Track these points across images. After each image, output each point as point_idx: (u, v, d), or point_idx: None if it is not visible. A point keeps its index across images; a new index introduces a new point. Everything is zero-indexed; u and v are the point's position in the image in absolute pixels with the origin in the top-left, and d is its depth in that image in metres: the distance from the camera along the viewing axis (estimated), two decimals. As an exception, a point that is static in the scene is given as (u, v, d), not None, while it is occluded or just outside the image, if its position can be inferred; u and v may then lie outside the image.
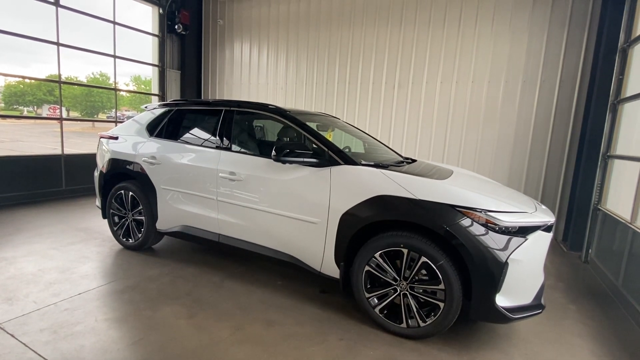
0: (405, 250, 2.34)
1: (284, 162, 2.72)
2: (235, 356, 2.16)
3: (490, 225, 2.19)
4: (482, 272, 2.15)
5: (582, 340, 2.59)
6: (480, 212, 2.21)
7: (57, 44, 5.73)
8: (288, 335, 2.42)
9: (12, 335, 2.24)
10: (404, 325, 2.42)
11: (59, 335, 2.27)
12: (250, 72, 7.58)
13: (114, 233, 3.88)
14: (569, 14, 4.98)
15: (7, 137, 17.59)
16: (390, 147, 4.36)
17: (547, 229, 2.39)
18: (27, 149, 14.30)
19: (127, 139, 3.80)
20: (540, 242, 2.34)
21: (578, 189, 4.66)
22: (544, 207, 2.71)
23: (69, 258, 3.51)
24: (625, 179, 3.74)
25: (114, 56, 6.67)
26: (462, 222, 2.19)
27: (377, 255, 2.44)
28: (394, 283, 2.43)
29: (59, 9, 5.70)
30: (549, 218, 2.45)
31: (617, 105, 4.00)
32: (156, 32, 7.43)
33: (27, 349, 2.12)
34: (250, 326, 2.49)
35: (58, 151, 6.05)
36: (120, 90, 7.05)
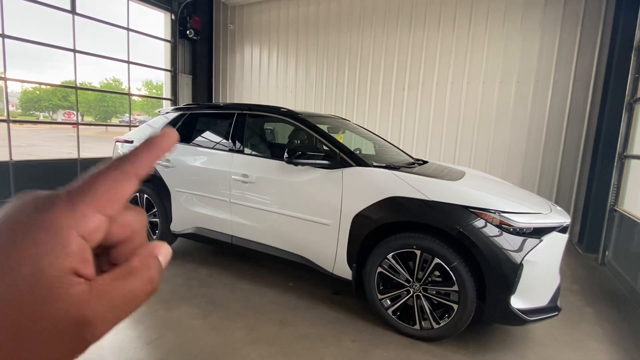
0: (418, 252, 2.34)
1: (296, 164, 2.74)
2: (250, 356, 2.19)
3: (504, 227, 2.17)
4: (496, 273, 2.14)
5: (599, 343, 2.54)
6: (494, 213, 2.20)
7: (74, 50, 5.88)
8: (301, 336, 2.43)
9: (34, 334, 2.30)
10: (417, 327, 2.41)
11: (79, 334, 2.33)
12: (260, 76, 7.66)
13: (129, 235, 3.95)
14: (582, 12, 4.91)
15: (24, 142, 18.06)
16: (401, 148, 4.35)
17: (563, 230, 2.36)
18: (43, 153, 14.67)
19: (142, 142, 3.87)
20: (556, 243, 2.31)
21: (594, 190, 4.57)
22: (559, 208, 2.68)
23: (86, 259, 3.59)
24: (642, 179, 3.66)
25: (128, 62, 6.82)
26: (475, 223, 2.18)
27: (389, 256, 2.45)
28: (407, 284, 2.42)
29: (75, 16, 5.85)
30: (564, 219, 2.42)
31: (633, 104, 3.92)
32: (168, 38, 7.56)
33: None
34: (264, 327, 2.52)
35: (74, 155, 6.19)
36: (133, 95, 7.20)
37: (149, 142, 0.28)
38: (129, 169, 0.26)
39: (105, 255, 0.27)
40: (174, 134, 0.29)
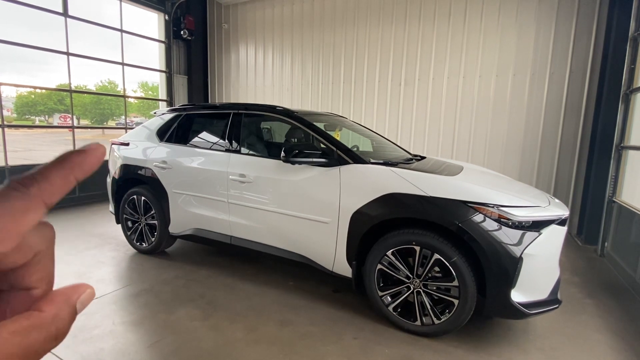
0: (417, 248, 2.34)
1: (293, 162, 2.73)
2: (251, 356, 2.18)
3: (503, 221, 2.17)
4: (496, 267, 2.13)
5: (600, 334, 2.55)
6: (493, 207, 2.19)
7: (67, 53, 5.84)
8: (302, 334, 2.43)
9: (34, 340, 2.29)
10: (418, 322, 2.41)
11: (79, 338, 2.32)
12: (256, 75, 7.63)
13: (128, 237, 3.94)
14: (577, 3, 4.90)
15: (21, 146, 17.96)
16: (399, 144, 4.34)
17: (562, 222, 2.36)
18: (40, 157, 14.58)
19: (138, 144, 3.85)
20: (555, 236, 2.31)
21: (592, 182, 4.58)
22: (557, 200, 2.68)
23: (84, 263, 3.58)
24: (640, 169, 3.67)
25: (122, 64, 6.78)
26: (474, 217, 2.18)
27: (389, 253, 2.44)
28: (407, 281, 2.42)
29: (68, 19, 5.81)
30: (563, 212, 2.42)
31: (629, 95, 3.92)
32: (162, 39, 7.52)
33: (49, 353, 2.16)
34: (265, 326, 2.51)
35: (71, 159, 6.15)
36: (129, 97, 7.16)
37: (65, 160, 0.22)
38: (34, 195, 0.20)
39: (3, 275, 0.22)
40: (99, 150, 0.24)
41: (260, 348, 2.26)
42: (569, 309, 2.88)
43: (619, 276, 3.59)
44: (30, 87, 10.59)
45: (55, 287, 0.26)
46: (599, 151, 4.43)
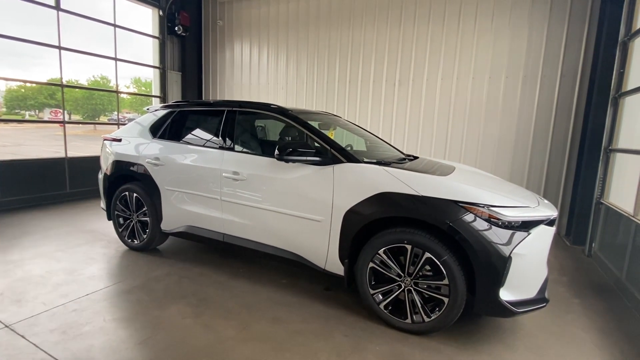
0: (409, 247, 2.36)
1: (287, 161, 2.74)
2: (243, 353, 2.19)
3: (493, 220, 2.20)
4: (485, 266, 2.17)
5: (586, 333, 2.60)
6: (483, 207, 2.23)
7: (59, 47, 5.76)
8: (294, 332, 2.44)
9: (23, 336, 2.27)
10: (408, 320, 2.44)
11: (69, 335, 2.30)
12: (250, 73, 7.60)
13: (119, 234, 3.91)
14: (569, 8, 4.97)
15: (10, 141, 17.66)
16: (392, 144, 4.37)
17: (550, 223, 2.40)
18: (30, 152, 14.37)
19: (131, 140, 3.82)
20: (543, 236, 2.35)
21: (580, 183, 4.66)
22: (546, 201, 2.73)
23: (75, 260, 3.55)
24: (627, 172, 3.74)
25: (115, 59, 6.70)
26: (465, 217, 2.21)
27: (381, 251, 2.46)
28: (398, 279, 2.45)
29: (60, 12, 5.73)
30: (552, 212, 2.46)
31: (618, 99, 4.00)
32: (156, 34, 7.45)
33: (38, 350, 2.15)
34: (257, 324, 2.52)
35: (61, 154, 6.08)
36: (121, 92, 7.09)
37: None
38: None
39: None
40: None
41: (252, 345, 2.27)
42: (556, 307, 2.93)
43: (605, 276, 3.66)
44: (20, 80, 10.44)
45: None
46: (588, 153, 4.51)
